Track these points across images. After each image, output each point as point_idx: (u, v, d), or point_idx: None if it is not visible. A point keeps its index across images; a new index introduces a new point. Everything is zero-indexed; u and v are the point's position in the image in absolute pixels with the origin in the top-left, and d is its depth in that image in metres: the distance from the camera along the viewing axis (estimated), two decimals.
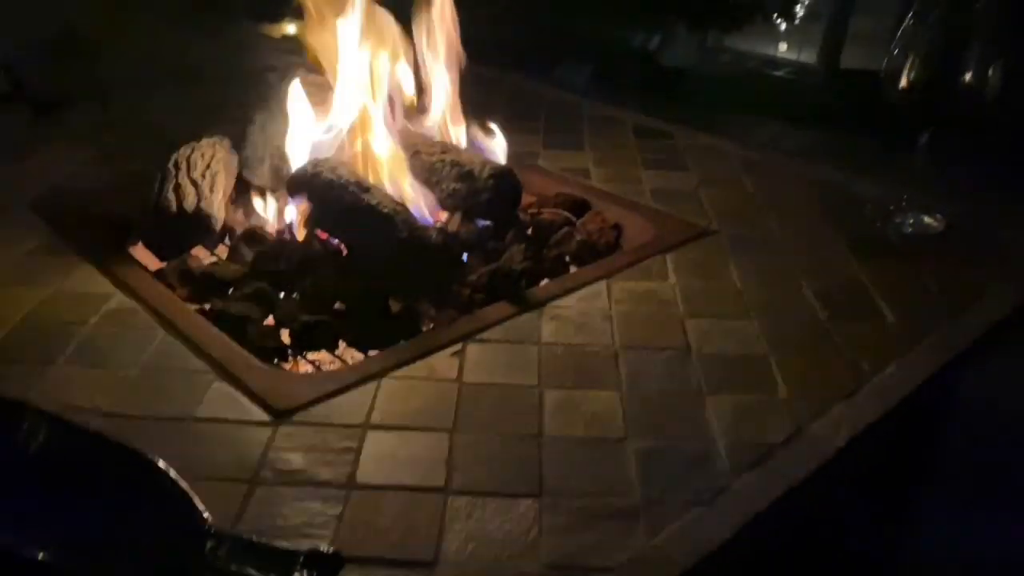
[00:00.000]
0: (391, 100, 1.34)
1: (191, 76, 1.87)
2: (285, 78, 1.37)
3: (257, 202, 1.31)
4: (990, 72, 1.25)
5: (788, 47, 6.01)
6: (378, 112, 1.31)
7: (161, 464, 0.74)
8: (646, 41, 5.43)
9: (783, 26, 6.24)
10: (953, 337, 1.07)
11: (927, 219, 1.36)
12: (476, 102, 1.86)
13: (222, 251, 1.29)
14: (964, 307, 1.14)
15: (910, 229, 1.34)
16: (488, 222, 1.29)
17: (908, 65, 1.25)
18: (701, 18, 6.09)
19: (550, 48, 4.58)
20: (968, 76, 1.25)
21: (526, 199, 1.43)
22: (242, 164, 1.36)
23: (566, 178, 1.53)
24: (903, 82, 1.26)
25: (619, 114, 1.85)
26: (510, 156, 1.51)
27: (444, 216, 1.30)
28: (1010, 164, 1.67)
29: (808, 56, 5.90)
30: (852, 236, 1.32)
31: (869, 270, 1.22)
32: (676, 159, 1.62)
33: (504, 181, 1.28)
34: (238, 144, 1.38)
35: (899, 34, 1.27)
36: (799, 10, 7.57)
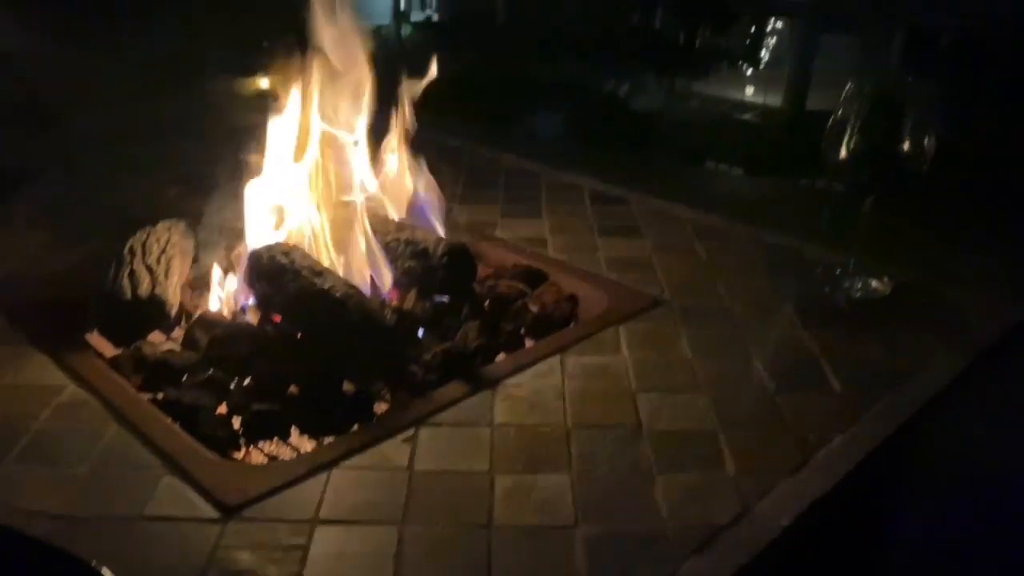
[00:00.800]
0: (349, 180, 1.35)
1: (160, 136, 1.89)
2: (244, 156, 1.39)
3: (213, 285, 1.32)
4: (926, 141, 1.29)
5: (754, 91, 6.16)
6: (336, 191, 1.33)
7: (105, 573, 0.74)
8: (616, 88, 5.55)
9: (749, 71, 6.41)
10: (899, 406, 1.10)
11: (874, 282, 1.39)
12: (433, 173, 1.88)
13: (178, 334, 1.29)
14: (910, 374, 1.17)
15: (858, 293, 1.38)
16: (444, 298, 1.30)
17: (847, 136, 1.29)
18: (668, 66, 6.23)
19: (521, 97, 4.67)
20: (905, 145, 1.30)
21: (483, 271, 1.45)
22: (198, 246, 1.37)
23: (523, 248, 1.55)
24: (843, 152, 1.30)
25: (577, 180, 1.89)
26: (469, 226, 1.53)
27: (399, 295, 1.31)
28: (953, 226, 1.71)
29: (774, 99, 6.05)
30: (801, 302, 1.35)
31: (817, 338, 1.25)
32: (631, 226, 1.65)
33: (458, 258, 1.30)
34: (197, 225, 1.39)
35: (838, 106, 1.31)
36: (764, 55, 7.76)
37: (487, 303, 1.35)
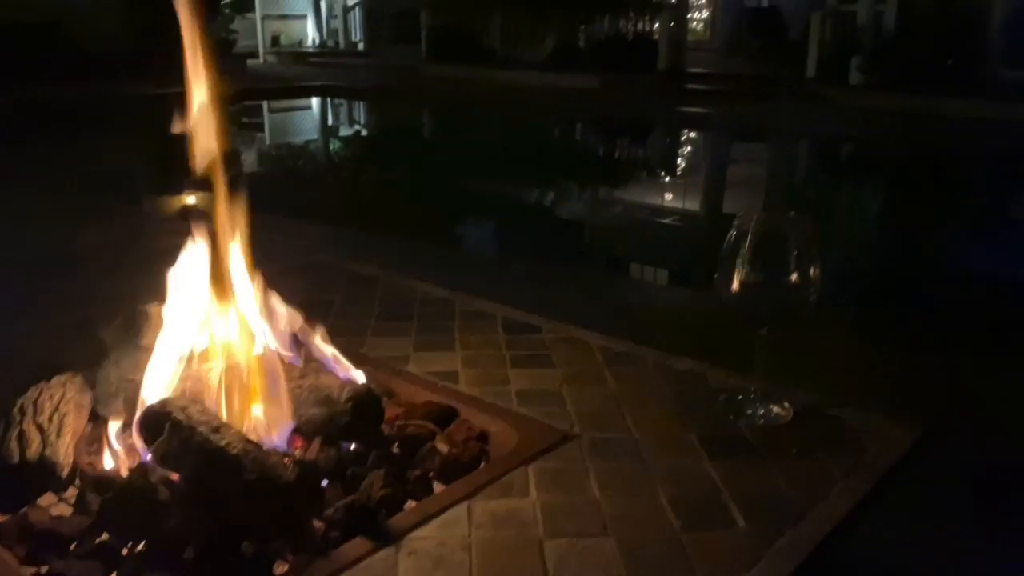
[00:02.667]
0: (253, 328, 1.34)
1: (75, 264, 1.86)
2: (147, 306, 1.37)
3: (109, 441, 1.27)
4: (812, 271, 1.36)
5: (673, 196, 6.44)
6: (238, 341, 1.31)
7: None
8: (542, 197, 5.75)
9: (667, 178, 6.71)
10: (801, 540, 1.11)
11: (776, 409, 1.43)
12: (349, 305, 1.89)
13: (72, 493, 1.23)
14: (812, 504, 1.18)
15: (761, 421, 1.41)
16: (350, 445, 1.28)
17: (737, 270, 1.35)
18: (591, 177, 6.52)
19: (448, 208, 4.78)
20: (793, 276, 1.36)
21: (393, 411, 1.44)
22: (95, 400, 1.33)
23: (435, 383, 1.55)
24: (734, 285, 1.35)
25: (491, 307, 1.91)
26: (380, 362, 1.52)
27: (303, 444, 1.29)
28: (846, 351, 1.78)
29: (692, 204, 6.32)
30: (707, 433, 1.37)
31: (722, 470, 1.26)
32: (543, 354, 1.67)
33: (364, 403, 1.29)
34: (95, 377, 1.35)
35: (726, 242, 1.37)
36: (680, 163, 8.17)
37: (396, 446, 1.33)
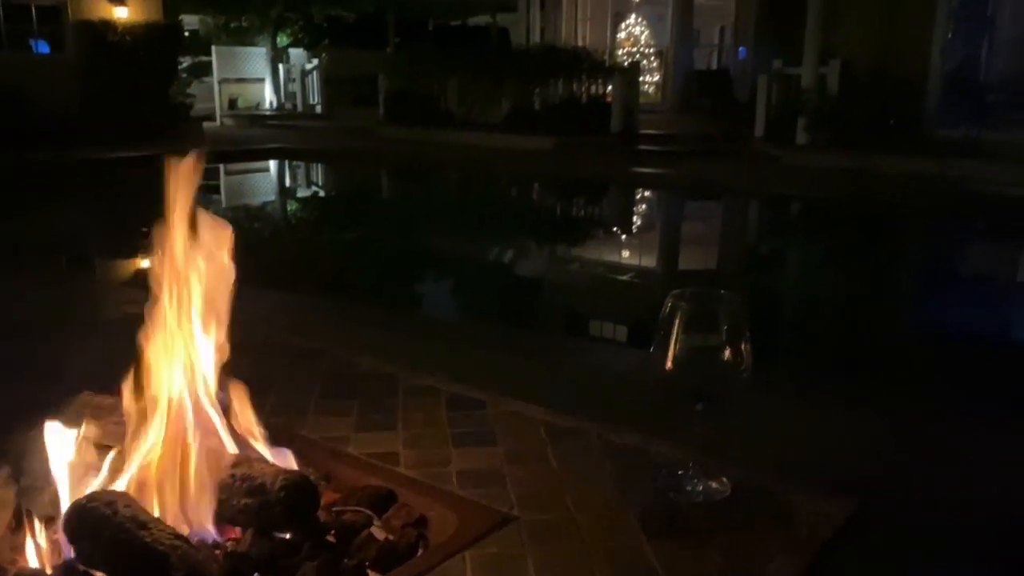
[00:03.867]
0: (187, 417, 1.32)
1: (16, 332, 1.82)
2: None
3: (33, 538, 1.23)
4: (743, 346, 1.38)
5: (624, 256, 6.54)
6: (171, 430, 1.29)
7: None
8: (493, 260, 5.80)
9: (619, 239, 6.83)
10: None
11: (714, 484, 1.44)
12: (290, 383, 1.87)
13: None
14: None
15: (699, 497, 1.41)
16: (284, 535, 1.26)
17: (670, 348, 1.37)
18: (543, 239, 6.63)
19: (406, 271, 4.83)
20: (726, 353, 1.38)
21: (331, 496, 1.42)
22: (20, 493, 1.29)
23: (375, 465, 1.53)
24: (668, 363, 1.37)
25: (434, 382, 1.91)
26: (320, 443, 1.50)
27: (236, 535, 1.26)
28: (783, 419, 1.81)
29: (643, 263, 6.43)
30: (646, 511, 1.37)
31: (660, 550, 1.26)
32: (485, 432, 1.66)
33: (297, 491, 1.27)
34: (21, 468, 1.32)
35: (660, 318, 1.39)
36: (632, 222, 8.32)
37: (332, 534, 1.31)
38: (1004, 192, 6.51)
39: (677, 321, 1.36)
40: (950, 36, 9.38)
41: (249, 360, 1.98)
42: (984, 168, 7.25)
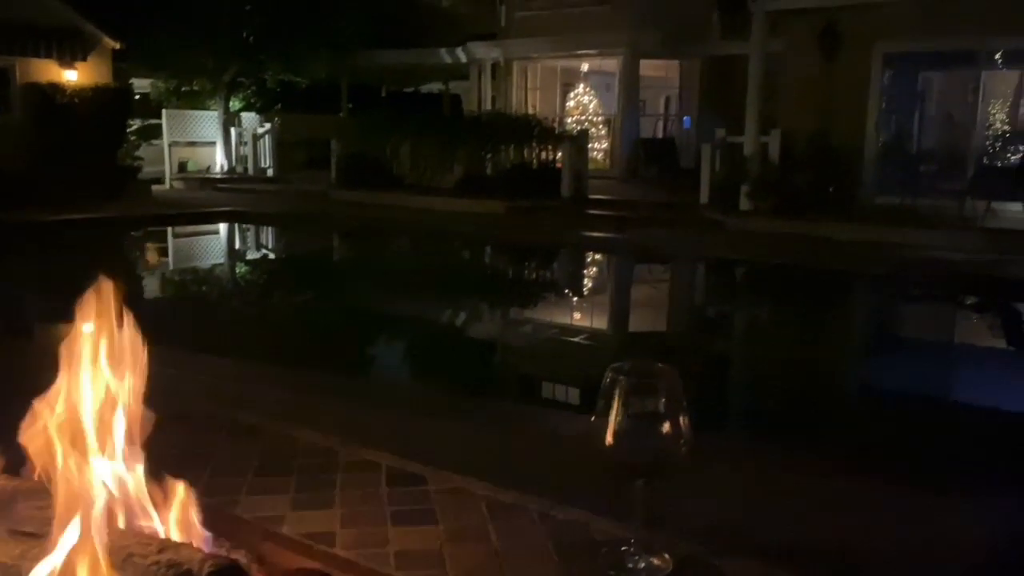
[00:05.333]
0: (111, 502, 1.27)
1: None
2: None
3: None
4: (682, 419, 1.38)
5: (581, 316, 6.58)
6: (84, 522, 1.23)
7: None
8: (439, 324, 5.78)
9: (566, 303, 6.88)
10: None
11: (655, 561, 1.42)
12: (226, 460, 1.82)
13: None
14: None
15: (642, 575, 1.39)
16: None
17: (609, 426, 1.36)
18: (491, 302, 6.66)
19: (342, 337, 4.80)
20: (665, 426, 1.38)
21: None
22: None
23: (310, 547, 1.48)
24: (608, 439, 1.36)
25: (375, 456, 1.87)
26: (253, 523, 1.45)
27: None
28: (727, 490, 1.81)
29: (591, 327, 6.47)
30: None
31: None
32: (426, 510, 1.63)
33: None
34: None
35: (599, 395, 1.39)
36: (586, 283, 8.41)
37: None
38: (940, 257, 6.74)
39: (617, 394, 1.36)
40: (883, 108, 9.79)
41: (184, 437, 1.93)
42: (921, 234, 7.53)
